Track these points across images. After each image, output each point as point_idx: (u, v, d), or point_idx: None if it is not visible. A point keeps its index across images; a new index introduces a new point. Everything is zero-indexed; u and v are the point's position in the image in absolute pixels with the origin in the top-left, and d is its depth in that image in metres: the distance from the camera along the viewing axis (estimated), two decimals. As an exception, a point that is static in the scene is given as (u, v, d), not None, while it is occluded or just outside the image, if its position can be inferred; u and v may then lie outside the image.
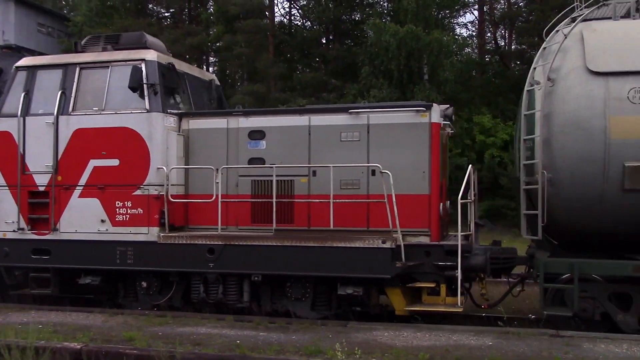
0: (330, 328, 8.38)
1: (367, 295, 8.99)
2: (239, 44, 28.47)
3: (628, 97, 8.03)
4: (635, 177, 7.98)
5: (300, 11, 34.07)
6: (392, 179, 8.63)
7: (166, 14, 33.56)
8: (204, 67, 32.00)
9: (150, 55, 9.84)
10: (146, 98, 9.58)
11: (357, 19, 31.50)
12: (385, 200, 8.60)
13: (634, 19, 8.74)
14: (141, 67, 9.62)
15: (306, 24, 33.53)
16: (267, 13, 30.59)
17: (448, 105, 9.82)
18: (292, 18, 34.79)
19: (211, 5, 32.94)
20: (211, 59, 35.26)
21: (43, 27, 32.68)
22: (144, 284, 9.69)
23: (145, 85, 9.56)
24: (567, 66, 8.45)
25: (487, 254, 8.87)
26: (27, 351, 7.01)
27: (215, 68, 34.38)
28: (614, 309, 8.42)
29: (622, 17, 8.75)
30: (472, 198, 9.12)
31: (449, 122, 9.68)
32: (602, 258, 8.45)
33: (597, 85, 8.19)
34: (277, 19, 32.59)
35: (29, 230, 10.01)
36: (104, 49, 10.37)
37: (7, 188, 10.13)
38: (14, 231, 10.02)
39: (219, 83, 12.11)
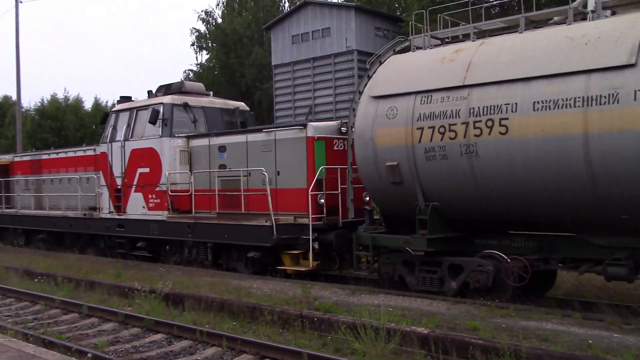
0: None
1: (269, 257, 12.97)
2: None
3: (386, 114, 10.59)
4: (393, 173, 10.51)
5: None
6: (282, 177, 12.81)
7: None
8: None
9: (167, 99, 15.27)
10: (160, 128, 14.96)
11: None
12: (268, 192, 12.55)
13: (424, 49, 11.07)
14: (159, 109, 15.00)
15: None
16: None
17: (339, 121, 13.08)
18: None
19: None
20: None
21: (379, 31, 34.58)
22: (167, 248, 15.20)
23: (160, 120, 14.91)
24: (365, 92, 11.39)
25: (335, 232, 12.20)
26: (380, 332, 7.47)
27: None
28: (405, 272, 11.09)
29: (419, 48, 11.18)
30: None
31: (338, 135, 12.76)
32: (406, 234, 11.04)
33: (372, 106, 11.05)
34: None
35: (115, 213, 16.32)
36: (156, 96, 16.05)
37: (105, 187, 16.66)
38: (109, 212, 16.48)
39: (246, 109, 16.94)
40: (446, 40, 11.41)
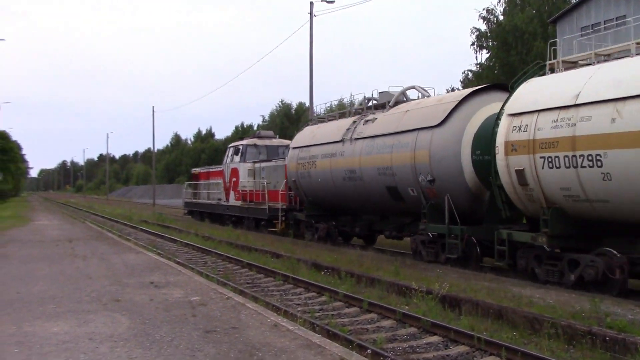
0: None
1: (269, 224, 26.11)
2: None
3: (299, 157, 21.98)
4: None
5: None
6: (270, 185, 26.23)
7: None
8: None
9: (244, 142, 30.56)
10: (239, 157, 29.66)
11: None
12: (265, 192, 26.12)
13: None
14: (239, 147, 30.14)
15: None
16: None
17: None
18: None
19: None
20: None
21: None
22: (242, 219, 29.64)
23: (240, 153, 29.50)
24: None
25: (293, 212, 24.06)
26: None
27: None
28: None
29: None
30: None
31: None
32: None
33: (295, 152, 22.78)
34: None
35: (224, 201, 31.09)
36: (242, 139, 32.25)
37: (223, 188, 31.39)
38: (223, 202, 31.27)
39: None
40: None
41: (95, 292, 10.74)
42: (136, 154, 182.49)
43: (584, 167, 10.99)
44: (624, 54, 12.02)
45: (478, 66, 47.07)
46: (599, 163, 10.73)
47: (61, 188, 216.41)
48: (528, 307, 9.60)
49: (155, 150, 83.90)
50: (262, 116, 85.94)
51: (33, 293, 10.68)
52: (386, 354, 7.84)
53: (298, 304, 11.82)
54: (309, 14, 32.88)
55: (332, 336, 8.64)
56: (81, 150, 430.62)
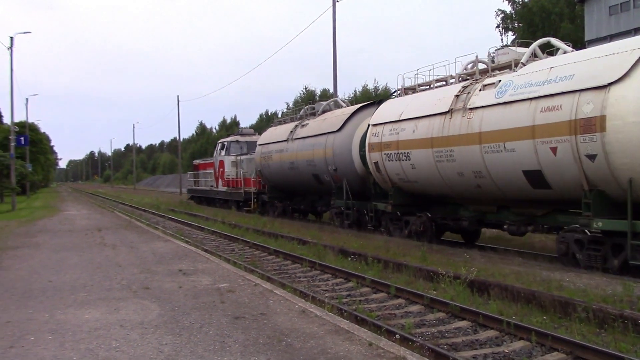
0: None
1: (245, 205, 32.52)
2: None
3: (262, 152, 29.02)
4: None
5: None
6: (247, 174, 32.63)
7: None
8: None
9: (228, 139, 37.15)
10: (224, 151, 35.67)
11: None
12: (242, 180, 32.91)
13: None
14: (224, 143, 36.57)
15: None
16: None
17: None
18: None
19: None
20: None
21: None
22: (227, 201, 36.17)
23: (225, 148, 35.74)
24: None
25: (261, 195, 31.34)
26: None
27: None
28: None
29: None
30: None
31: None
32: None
33: (259, 148, 29.51)
34: None
35: (215, 188, 37.61)
36: (229, 136, 40.27)
37: (214, 176, 37.66)
38: (215, 187, 37.74)
39: None
40: None
41: (125, 280, 10.88)
42: (162, 143, 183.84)
43: (403, 160, 16.88)
44: (439, 84, 17.40)
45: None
46: (409, 158, 16.61)
47: (89, 178, 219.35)
48: (558, 291, 9.50)
49: (181, 139, 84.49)
50: (287, 103, 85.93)
51: (64, 281, 10.85)
52: (415, 339, 7.82)
53: (325, 290, 11.84)
54: None
55: (360, 322, 8.64)
56: (108, 141, 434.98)
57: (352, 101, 58.01)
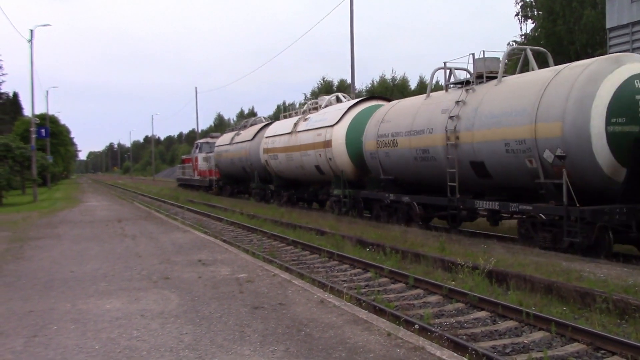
0: None
1: (209, 189, 46.09)
2: None
3: (217, 152, 43.27)
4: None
5: None
6: (211, 166, 45.90)
7: None
8: None
9: (200, 141, 51.84)
10: (198, 150, 49.23)
11: None
12: (207, 171, 46.87)
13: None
14: (198, 144, 51.20)
15: None
16: None
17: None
18: None
19: None
20: None
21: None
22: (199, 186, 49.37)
23: (198, 147, 49.62)
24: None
25: (219, 182, 44.93)
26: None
27: None
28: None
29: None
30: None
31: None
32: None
33: (216, 148, 43.44)
34: None
35: (194, 177, 50.23)
36: (203, 138, 59.26)
37: (192, 169, 51.12)
38: (194, 177, 50.83)
39: None
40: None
41: (145, 270, 10.98)
42: (180, 134, 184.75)
43: (274, 159, 29.16)
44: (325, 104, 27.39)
45: (523, 37, 45.97)
46: (277, 158, 28.46)
47: (109, 170, 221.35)
48: (578, 282, 9.43)
49: (199, 130, 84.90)
50: (304, 94, 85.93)
51: (85, 272, 10.99)
52: (433, 329, 7.82)
53: (344, 281, 11.87)
54: (348, -11, 32.56)
55: (379, 312, 8.65)
56: (127, 133, 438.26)
57: (370, 91, 57.79)
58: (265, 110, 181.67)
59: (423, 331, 7.68)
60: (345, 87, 66.02)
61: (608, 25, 33.30)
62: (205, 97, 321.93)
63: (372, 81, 63.00)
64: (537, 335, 7.83)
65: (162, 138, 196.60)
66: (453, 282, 10.60)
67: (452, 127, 15.81)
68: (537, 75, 14.20)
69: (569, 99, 12.36)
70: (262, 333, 6.70)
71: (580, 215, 12.13)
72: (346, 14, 33.00)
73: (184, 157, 60.66)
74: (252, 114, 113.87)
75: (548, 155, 12.74)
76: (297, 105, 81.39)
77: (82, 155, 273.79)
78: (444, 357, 5.79)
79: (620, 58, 12.77)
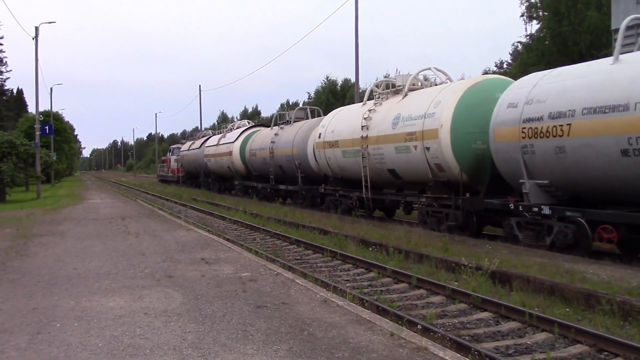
0: None
1: (177, 183, 61.86)
2: None
3: (182, 154, 59.21)
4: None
5: None
6: (179, 166, 61.42)
7: None
8: None
9: (173, 146, 69.08)
10: (171, 153, 66.86)
11: None
12: (176, 169, 63.65)
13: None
14: (172, 148, 68.62)
15: None
16: None
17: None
18: None
19: None
20: None
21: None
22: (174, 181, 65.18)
23: (171, 151, 68.23)
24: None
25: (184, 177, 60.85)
26: None
27: None
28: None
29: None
30: None
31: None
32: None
33: (182, 152, 60.29)
34: None
35: (169, 175, 66.50)
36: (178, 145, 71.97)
37: (167, 168, 67.82)
38: (169, 175, 67.37)
39: None
40: None
41: (148, 269, 11.00)
42: (184, 132, 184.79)
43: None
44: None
45: (528, 38, 45.90)
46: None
47: (112, 167, 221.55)
48: (581, 283, 9.42)
49: (203, 128, 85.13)
50: (308, 93, 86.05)
51: (89, 269, 11.01)
52: (436, 329, 7.82)
53: (347, 280, 11.87)
54: (353, -11, 32.55)
55: (382, 312, 8.66)
56: (131, 130, 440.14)
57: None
58: (269, 108, 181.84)
59: (426, 331, 7.68)
60: (349, 87, 66.02)
61: (613, 26, 33.17)
62: (209, 95, 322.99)
63: (376, 79, 63.00)
64: (540, 336, 7.82)
65: (165, 136, 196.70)
66: (456, 283, 10.60)
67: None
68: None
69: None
70: (265, 332, 6.71)
71: None
72: (353, 12, 32.89)
73: (163, 158, 76.48)
74: (256, 112, 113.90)
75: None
76: (301, 104, 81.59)
77: (86, 153, 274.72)
78: (446, 357, 5.79)
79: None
